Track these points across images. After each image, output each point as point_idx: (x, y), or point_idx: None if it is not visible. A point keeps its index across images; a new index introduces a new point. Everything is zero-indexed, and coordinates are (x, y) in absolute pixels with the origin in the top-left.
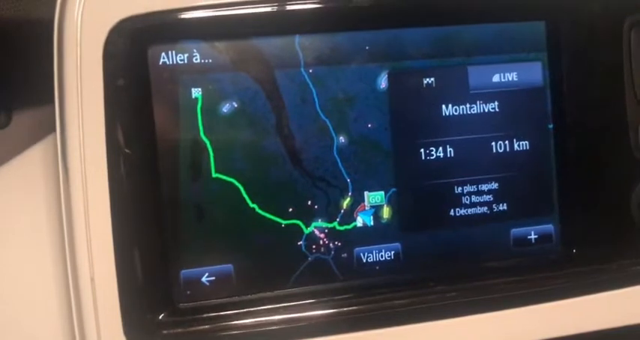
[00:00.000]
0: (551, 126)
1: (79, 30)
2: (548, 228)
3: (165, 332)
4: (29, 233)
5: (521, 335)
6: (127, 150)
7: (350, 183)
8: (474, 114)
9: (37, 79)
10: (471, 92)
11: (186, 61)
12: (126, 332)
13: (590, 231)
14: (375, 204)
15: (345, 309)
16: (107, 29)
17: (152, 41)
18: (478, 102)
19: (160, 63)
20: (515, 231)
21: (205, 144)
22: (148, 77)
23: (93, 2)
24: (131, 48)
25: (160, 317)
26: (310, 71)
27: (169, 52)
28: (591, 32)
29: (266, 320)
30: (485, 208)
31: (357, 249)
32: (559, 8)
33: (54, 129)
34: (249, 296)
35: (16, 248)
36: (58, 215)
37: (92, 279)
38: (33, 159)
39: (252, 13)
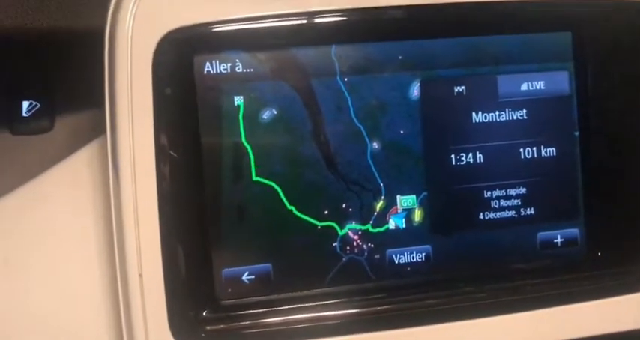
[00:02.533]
0: (577, 133)
1: (129, 40)
2: (574, 231)
3: (208, 327)
4: (78, 232)
5: (548, 335)
6: (173, 154)
7: (383, 187)
8: (503, 121)
9: (80, 84)
10: (500, 100)
11: (229, 71)
12: (171, 327)
13: (615, 235)
14: (407, 207)
15: (377, 308)
16: (156, 40)
17: (197, 51)
18: (507, 109)
19: (205, 72)
20: (542, 235)
21: (246, 149)
22: (194, 85)
23: (143, 14)
24: (178, 58)
25: (204, 313)
26: (346, 80)
27: (213, 62)
28: (617, 42)
29: (302, 318)
30: (513, 212)
31: (389, 250)
32: (585, 19)
33: (96, 134)
34: (287, 294)
35: (66, 247)
36: (105, 215)
37: (140, 275)
38: (80, 162)
39: (291, 24)
